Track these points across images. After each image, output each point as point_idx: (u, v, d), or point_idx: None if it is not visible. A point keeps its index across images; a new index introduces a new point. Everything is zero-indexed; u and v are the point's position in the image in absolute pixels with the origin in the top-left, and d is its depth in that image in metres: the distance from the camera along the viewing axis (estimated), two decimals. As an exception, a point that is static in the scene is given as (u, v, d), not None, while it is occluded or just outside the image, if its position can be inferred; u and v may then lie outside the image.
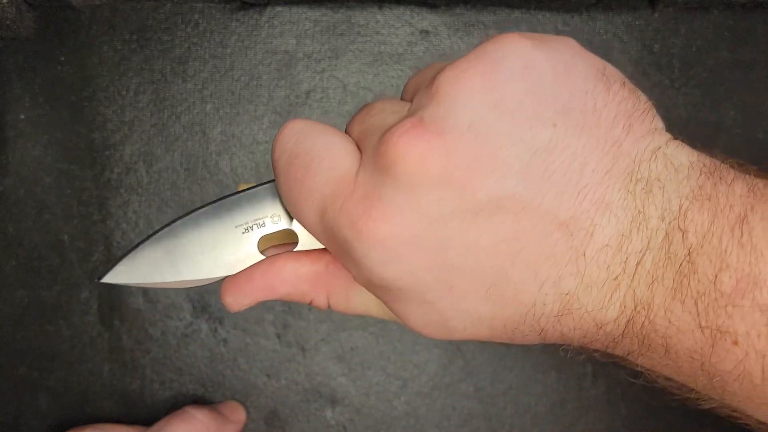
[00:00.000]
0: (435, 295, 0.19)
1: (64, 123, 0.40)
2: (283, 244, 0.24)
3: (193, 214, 0.23)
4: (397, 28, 0.41)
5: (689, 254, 0.18)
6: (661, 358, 0.19)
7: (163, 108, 0.41)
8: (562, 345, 0.20)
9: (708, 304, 0.17)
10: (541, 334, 0.19)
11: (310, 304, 0.24)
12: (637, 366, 0.20)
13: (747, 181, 0.19)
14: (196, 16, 0.41)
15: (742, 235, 0.17)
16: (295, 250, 0.23)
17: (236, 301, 0.23)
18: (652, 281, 0.18)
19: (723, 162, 0.20)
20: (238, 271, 0.23)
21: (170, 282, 0.23)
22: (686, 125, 0.40)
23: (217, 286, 0.41)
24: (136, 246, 0.23)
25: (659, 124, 0.20)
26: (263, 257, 0.23)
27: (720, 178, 0.19)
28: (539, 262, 0.18)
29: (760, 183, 0.19)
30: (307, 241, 0.23)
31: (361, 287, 0.23)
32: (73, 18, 0.40)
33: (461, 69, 0.19)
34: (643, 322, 0.18)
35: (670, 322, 0.18)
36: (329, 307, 0.24)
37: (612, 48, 0.40)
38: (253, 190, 0.23)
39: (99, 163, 0.41)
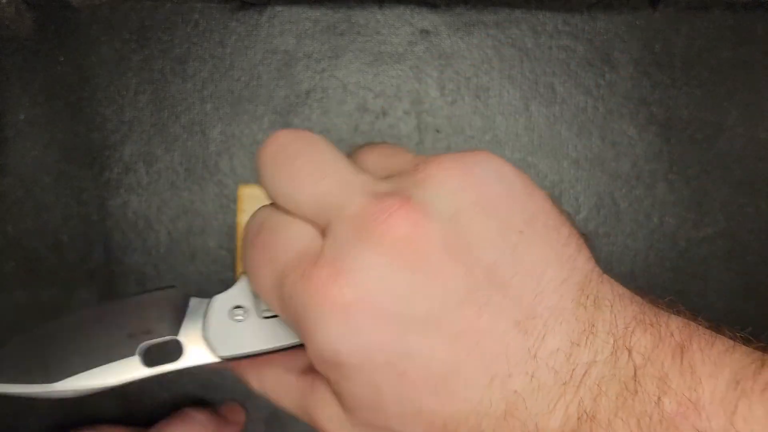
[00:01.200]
0: (383, 379, 0.19)
1: (64, 123, 0.40)
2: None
3: (77, 314, 0.22)
4: (398, 27, 0.41)
5: (635, 373, 0.18)
6: None
7: (163, 108, 0.41)
8: None
9: (650, 425, 0.18)
10: None
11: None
12: None
13: (681, 317, 0.20)
14: (196, 16, 0.40)
15: (682, 363, 0.18)
16: (179, 361, 0.22)
17: None
18: (598, 394, 0.18)
19: (656, 300, 0.21)
20: (115, 382, 0.22)
21: (34, 389, 0.21)
22: (687, 125, 0.40)
23: (217, 286, 0.41)
24: (5, 345, 0.21)
25: (591, 254, 0.22)
26: (146, 368, 0.22)
27: (658, 310, 0.20)
28: (492, 358, 0.19)
29: (692, 322, 0.20)
30: (192, 352, 0.22)
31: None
32: (72, 18, 0.40)
33: (446, 165, 0.20)
34: None
35: None
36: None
37: (613, 47, 0.40)
38: (140, 297, 0.22)
39: (98, 163, 0.40)
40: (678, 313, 0.21)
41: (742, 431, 0.17)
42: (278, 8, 0.40)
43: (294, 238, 0.21)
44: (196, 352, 0.22)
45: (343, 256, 0.19)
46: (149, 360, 0.22)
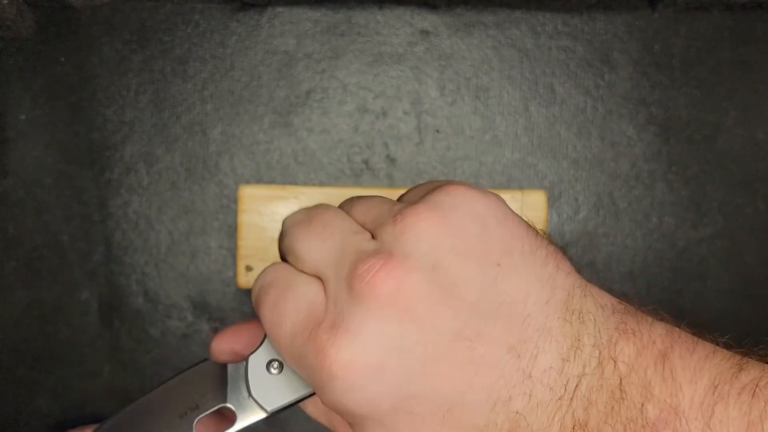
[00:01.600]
0: (394, 421, 0.21)
1: (65, 123, 0.41)
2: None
3: (127, 410, 0.23)
4: (398, 28, 0.41)
5: (620, 382, 0.20)
6: None
7: (164, 108, 0.41)
8: None
9: (635, 430, 0.19)
10: None
11: None
12: None
13: (664, 324, 0.21)
14: (197, 17, 0.41)
15: (663, 370, 0.20)
16: (235, 425, 0.24)
17: None
18: (588, 404, 0.20)
19: (638, 307, 0.22)
20: None
21: None
22: (686, 125, 0.41)
23: (219, 286, 0.41)
24: None
25: (572, 267, 0.23)
26: None
27: (640, 318, 0.21)
28: (492, 383, 0.20)
29: (675, 328, 0.21)
30: (247, 415, 0.23)
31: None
32: (73, 18, 0.40)
33: (423, 214, 0.21)
34: None
35: None
36: None
37: (612, 48, 0.41)
38: (179, 377, 0.24)
39: (99, 163, 0.41)
40: (662, 319, 0.22)
41: (717, 428, 0.18)
42: (279, 9, 0.41)
43: (301, 296, 0.22)
44: (247, 412, 0.24)
45: (340, 318, 0.21)
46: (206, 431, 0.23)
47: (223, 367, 0.24)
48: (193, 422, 0.23)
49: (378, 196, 0.25)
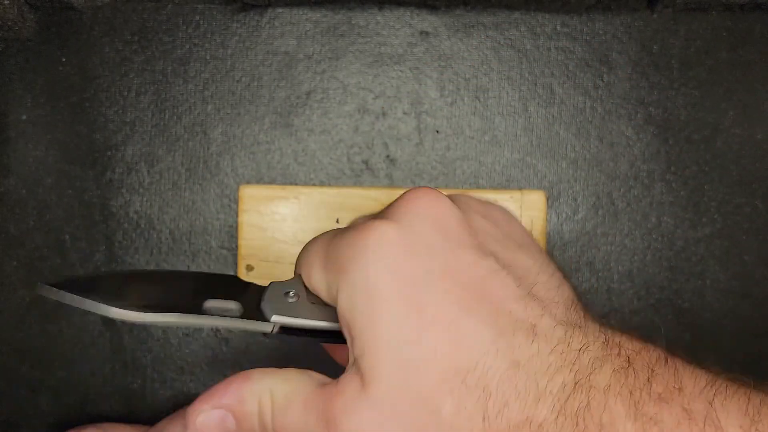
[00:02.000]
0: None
1: (66, 123, 0.41)
2: None
3: (161, 270, 0.25)
4: (398, 29, 0.41)
5: (628, 359, 0.21)
6: None
7: (164, 108, 0.41)
8: None
9: (641, 396, 0.20)
10: None
11: None
12: None
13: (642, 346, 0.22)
14: (197, 17, 0.41)
15: (666, 363, 0.21)
16: (236, 319, 0.24)
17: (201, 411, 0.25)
18: (593, 370, 0.21)
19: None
20: (181, 322, 0.24)
21: (114, 315, 0.23)
22: (685, 126, 0.41)
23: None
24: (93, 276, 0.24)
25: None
26: (207, 317, 0.24)
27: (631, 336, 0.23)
28: (497, 318, 0.21)
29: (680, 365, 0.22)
30: (248, 315, 0.24)
31: None
32: (74, 19, 0.41)
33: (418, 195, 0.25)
34: (581, 403, 0.20)
35: (605, 406, 0.20)
36: None
37: (611, 49, 0.41)
38: (208, 272, 0.25)
39: (100, 163, 0.41)
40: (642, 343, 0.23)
41: (718, 410, 0.19)
42: (279, 10, 0.41)
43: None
44: (251, 315, 0.25)
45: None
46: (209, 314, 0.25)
47: (247, 285, 0.26)
48: (203, 301, 0.24)
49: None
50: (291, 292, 0.25)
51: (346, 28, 0.41)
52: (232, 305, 0.24)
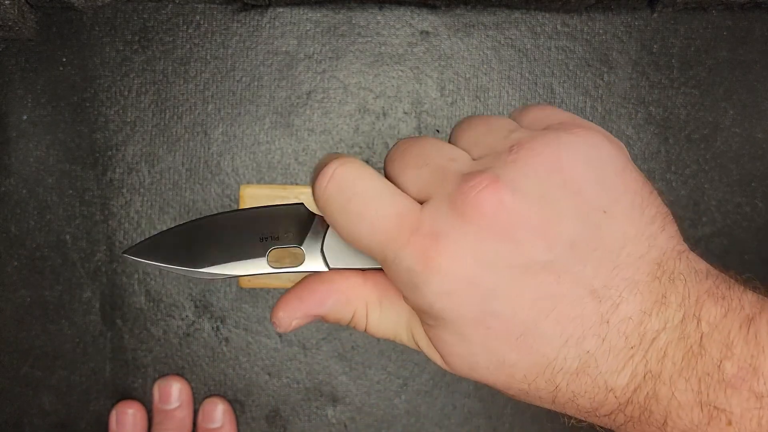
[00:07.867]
0: (471, 331, 0.22)
1: (67, 123, 0.41)
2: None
3: (218, 216, 0.26)
4: (398, 29, 0.41)
5: (701, 339, 0.20)
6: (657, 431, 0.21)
7: (165, 108, 0.41)
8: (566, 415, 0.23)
9: (710, 384, 0.20)
10: (554, 392, 0.22)
11: (349, 323, 0.27)
12: None
13: (755, 292, 0.22)
14: (198, 17, 0.41)
15: (748, 333, 0.20)
16: (299, 266, 0.26)
17: (288, 316, 0.26)
18: (664, 356, 0.21)
19: (735, 276, 0.23)
20: (243, 274, 0.25)
21: (181, 269, 0.25)
22: (685, 125, 0.41)
23: (221, 286, 0.41)
24: (162, 232, 0.25)
25: (678, 232, 0.24)
26: (270, 268, 0.26)
27: (732, 285, 0.22)
28: (568, 321, 0.21)
29: (767, 298, 0.22)
30: (311, 262, 0.26)
31: (393, 308, 0.26)
32: (75, 19, 0.41)
33: (538, 150, 0.22)
34: (649, 392, 0.21)
35: (673, 395, 0.20)
36: (365, 328, 0.27)
37: (611, 48, 0.41)
38: (273, 207, 0.26)
39: (101, 163, 0.41)
40: (754, 289, 0.23)
41: None
42: (279, 10, 0.41)
43: (389, 205, 0.23)
44: (313, 261, 0.26)
45: (440, 228, 0.22)
46: (274, 261, 0.26)
47: (313, 216, 0.26)
48: (268, 249, 0.25)
49: (491, 118, 0.26)
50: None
51: (346, 28, 0.41)
52: (294, 249, 0.26)
